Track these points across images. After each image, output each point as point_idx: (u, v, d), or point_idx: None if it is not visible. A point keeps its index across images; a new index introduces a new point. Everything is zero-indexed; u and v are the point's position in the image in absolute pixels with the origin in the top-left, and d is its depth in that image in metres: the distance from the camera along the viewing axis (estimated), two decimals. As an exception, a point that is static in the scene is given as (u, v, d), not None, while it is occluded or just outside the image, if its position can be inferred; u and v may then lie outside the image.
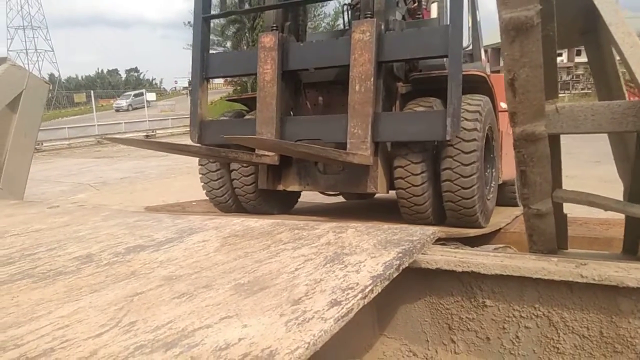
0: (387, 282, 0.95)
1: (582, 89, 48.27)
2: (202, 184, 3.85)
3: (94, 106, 30.15)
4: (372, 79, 3.03)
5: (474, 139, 2.81)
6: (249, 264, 1.06)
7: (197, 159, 3.87)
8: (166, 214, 1.71)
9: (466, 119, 2.83)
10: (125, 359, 0.66)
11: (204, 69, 3.69)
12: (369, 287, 0.88)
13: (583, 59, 57.87)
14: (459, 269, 1.40)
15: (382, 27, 3.15)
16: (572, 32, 2.02)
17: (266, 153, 3.32)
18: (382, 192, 3.11)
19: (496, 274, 1.37)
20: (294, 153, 3.10)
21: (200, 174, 3.84)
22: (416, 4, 4.16)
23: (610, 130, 1.28)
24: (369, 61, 3.04)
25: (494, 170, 3.41)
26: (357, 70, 3.08)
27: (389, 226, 1.32)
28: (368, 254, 1.07)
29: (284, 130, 3.30)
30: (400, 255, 1.05)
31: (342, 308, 0.79)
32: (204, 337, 0.71)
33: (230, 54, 3.95)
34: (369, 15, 3.11)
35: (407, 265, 1.05)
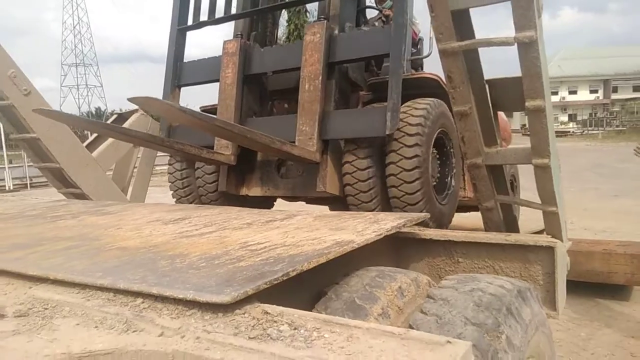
0: (397, 230, 2.07)
1: (617, 126, 48.09)
2: (169, 183, 3.85)
3: (143, 139, 32.23)
4: (320, 78, 3.06)
5: (417, 133, 2.86)
6: (332, 224, 2.20)
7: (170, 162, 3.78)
8: (276, 210, 2.87)
9: (412, 115, 2.90)
10: (298, 242, 1.81)
11: (175, 77, 3.77)
12: (389, 229, 2.01)
13: (620, 95, 57.56)
14: (442, 239, 2.50)
15: (336, 30, 3.19)
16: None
17: (220, 151, 3.32)
18: (332, 192, 3.12)
19: (463, 241, 2.46)
20: (207, 128, 2.82)
21: (168, 173, 3.84)
22: (382, 17, 4.24)
23: (523, 162, 2.38)
24: (318, 61, 3.08)
25: (453, 176, 3.43)
26: (307, 70, 3.11)
27: (405, 212, 2.44)
28: (391, 220, 2.20)
29: None
30: (405, 220, 2.18)
31: (378, 233, 1.92)
32: (325, 239, 1.86)
33: (201, 62, 3.81)
34: (322, 19, 3.18)
35: (408, 225, 2.18)
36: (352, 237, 1.84)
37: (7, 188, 19.29)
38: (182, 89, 3.90)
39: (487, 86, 2.54)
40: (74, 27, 78.94)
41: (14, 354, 1.10)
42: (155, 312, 1.26)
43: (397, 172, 2.88)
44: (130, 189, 4.69)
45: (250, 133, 2.68)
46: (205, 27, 3.82)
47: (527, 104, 1.96)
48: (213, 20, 3.71)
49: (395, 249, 2.68)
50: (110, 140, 4.35)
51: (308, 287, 1.84)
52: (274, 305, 1.25)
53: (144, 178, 4.69)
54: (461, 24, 1.99)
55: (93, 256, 1.81)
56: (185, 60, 3.87)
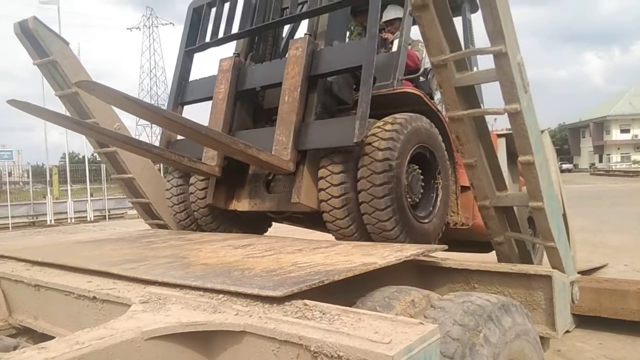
0: (415, 257, 2.60)
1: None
2: (167, 200, 4.00)
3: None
4: (299, 90, 3.13)
5: (388, 148, 2.89)
6: (365, 251, 2.76)
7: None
8: (323, 240, 3.47)
9: (384, 130, 2.93)
10: (334, 263, 2.40)
11: (179, 95, 3.98)
12: (408, 255, 2.55)
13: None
14: (460, 267, 2.98)
15: (322, 46, 3.27)
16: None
17: (204, 161, 3.41)
18: (307, 204, 3.12)
19: (477, 270, 2.94)
20: (155, 120, 2.73)
21: (166, 190, 4.04)
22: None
23: (524, 205, 2.85)
24: (298, 74, 3.15)
25: (439, 195, 3.41)
26: (288, 83, 3.20)
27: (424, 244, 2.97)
28: (413, 249, 2.73)
29: None
30: (425, 249, 2.71)
31: (398, 258, 2.47)
32: (355, 260, 2.43)
33: (201, 81, 3.96)
34: (307, 34, 3.28)
35: (425, 254, 2.70)
36: (376, 260, 2.40)
37: (88, 219, 21.13)
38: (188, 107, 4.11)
39: (500, 140, 3.07)
40: (150, 71, 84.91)
41: (147, 321, 1.74)
42: (232, 302, 1.88)
43: (367, 187, 2.89)
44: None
45: (206, 130, 2.63)
46: (209, 48, 4.08)
47: (519, 158, 2.47)
48: (215, 42, 3.96)
49: (422, 277, 3.18)
50: (189, 179, 5.15)
51: (345, 298, 2.40)
52: (312, 301, 1.83)
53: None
54: (466, 95, 2.56)
55: (185, 268, 2.47)
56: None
